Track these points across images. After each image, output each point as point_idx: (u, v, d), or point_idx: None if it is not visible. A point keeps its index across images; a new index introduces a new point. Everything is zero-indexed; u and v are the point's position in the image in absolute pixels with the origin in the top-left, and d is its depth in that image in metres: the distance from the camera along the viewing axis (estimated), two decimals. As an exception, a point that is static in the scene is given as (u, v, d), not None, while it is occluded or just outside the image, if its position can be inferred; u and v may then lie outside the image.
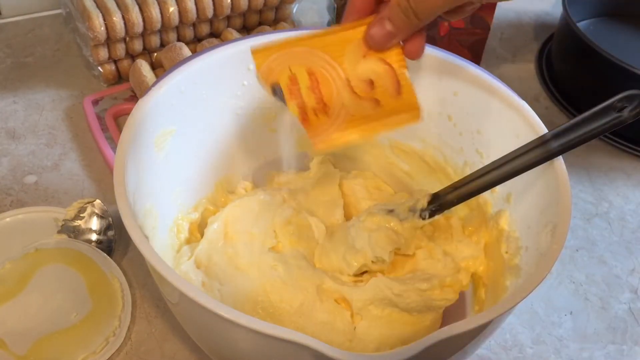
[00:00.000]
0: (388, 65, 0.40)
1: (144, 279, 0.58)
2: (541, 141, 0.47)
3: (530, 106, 0.51)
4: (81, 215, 0.59)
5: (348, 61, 0.40)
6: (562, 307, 0.60)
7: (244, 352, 0.42)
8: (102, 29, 0.71)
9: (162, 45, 0.77)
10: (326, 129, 0.42)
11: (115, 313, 0.54)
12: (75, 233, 0.59)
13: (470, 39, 0.78)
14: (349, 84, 0.41)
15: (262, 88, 0.42)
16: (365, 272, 0.55)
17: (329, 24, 0.85)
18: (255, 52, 0.41)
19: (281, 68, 0.40)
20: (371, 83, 0.41)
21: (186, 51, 0.74)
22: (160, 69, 0.77)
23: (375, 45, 0.40)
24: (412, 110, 0.41)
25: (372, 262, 0.54)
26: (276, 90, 0.41)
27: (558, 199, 0.45)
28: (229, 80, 0.55)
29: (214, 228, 0.55)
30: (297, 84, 0.41)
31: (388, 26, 0.39)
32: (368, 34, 0.40)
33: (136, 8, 0.72)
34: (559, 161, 0.47)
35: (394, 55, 0.41)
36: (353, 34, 0.40)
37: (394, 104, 0.41)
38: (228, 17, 0.80)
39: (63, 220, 0.59)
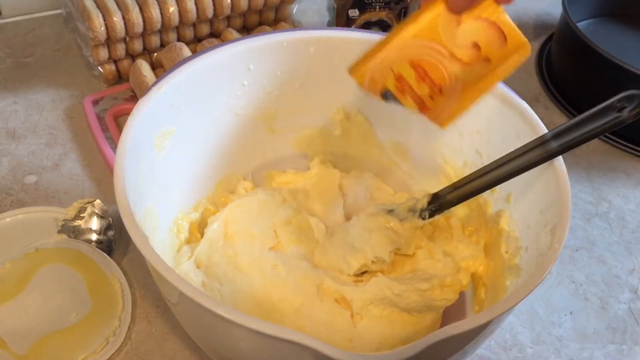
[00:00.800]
0: (484, 20, 0.39)
1: (144, 279, 0.58)
2: (541, 141, 0.47)
3: (530, 106, 0.51)
4: (81, 215, 0.59)
5: (444, 36, 0.39)
6: (562, 307, 0.60)
7: (244, 352, 0.42)
8: (102, 29, 0.71)
9: (162, 45, 0.77)
10: (446, 106, 0.41)
11: (115, 313, 0.54)
12: (75, 233, 0.59)
13: (470, 39, 0.78)
14: (454, 56, 0.40)
15: (368, 96, 0.42)
16: (365, 272, 0.55)
17: (329, 24, 0.85)
18: (352, 71, 0.41)
19: (384, 74, 0.40)
20: (476, 45, 0.40)
21: (186, 51, 0.74)
22: (160, 69, 0.77)
23: (463, 6, 0.38)
24: (521, 48, 0.40)
25: (372, 262, 0.54)
26: (387, 96, 0.41)
27: (558, 199, 0.45)
28: (229, 80, 0.55)
29: (214, 228, 0.55)
30: (404, 81, 0.40)
31: None
32: (450, 1, 0.38)
33: (136, 8, 0.72)
34: (559, 161, 0.47)
35: (485, 9, 0.39)
36: (435, 11, 0.39)
37: (503, 52, 0.40)
38: (228, 17, 0.80)
39: (63, 220, 0.59)
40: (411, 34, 0.39)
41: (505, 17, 0.40)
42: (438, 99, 0.41)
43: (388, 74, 0.41)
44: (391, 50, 0.40)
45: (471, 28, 0.39)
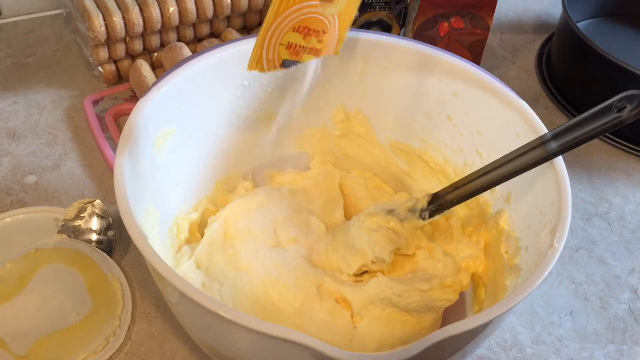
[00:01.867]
0: None
1: (144, 279, 0.58)
2: (541, 141, 0.47)
3: (530, 106, 0.51)
4: (81, 215, 0.59)
5: None
6: (562, 307, 0.60)
7: (244, 352, 0.42)
8: (102, 29, 0.71)
9: (162, 45, 0.77)
10: (333, 39, 0.46)
11: (115, 313, 0.54)
12: (75, 233, 0.59)
13: (470, 39, 0.78)
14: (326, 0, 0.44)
15: (271, 73, 0.47)
16: (366, 272, 0.55)
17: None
18: (250, 66, 0.44)
19: (275, 51, 0.44)
20: None
21: (186, 51, 0.74)
22: (160, 69, 0.77)
23: None
24: None
25: (372, 262, 0.54)
26: (286, 64, 0.45)
27: (558, 199, 0.45)
28: (229, 80, 0.55)
29: (214, 228, 0.55)
30: (294, 45, 0.44)
31: None
32: None
33: (136, 8, 0.72)
34: (559, 161, 0.47)
35: None
36: None
37: None
38: (228, 17, 0.80)
39: (63, 220, 0.59)
40: (283, 7, 0.43)
41: None
42: (325, 38, 0.46)
43: (279, 48, 0.44)
44: (271, 31, 0.43)
45: None
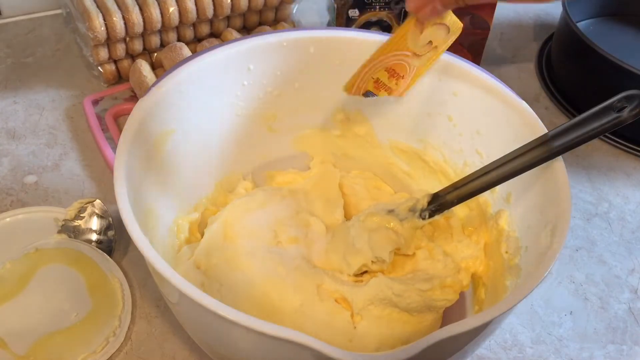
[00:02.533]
0: (439, 24, 0.49)
1: (144, 279, 0.58)
2: (541, 141, 0.47)
3: (530, 106, 0.51)
4: (81, 215, 0.59)
5: (410, 43, 0.50)
6: (562, 307, 0.60)
7: (244, 352, 0.42)
8: (102, 29, 0.71)
9: (162, 45, 0.77)
10: (405, 84, 0.54)
11: (115, 313, 0.54)
12: (75, 233, 0.59)
13: (470, 39, 0.78)
14: (415, 54, 0.51)
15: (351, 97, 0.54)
16: (366, 272, 0.55)
17: (329, 24, 0.85)
18: (346, 88, 0.53)
19: (366, 81, 0.52)
20: (430, 42, 0.50)
21: (186, 51, 0.74)
22: (160, 69, 0.77)
23: (428, 18, 0.47)
24: (457, 31, 0.50)
25: (372, 262, 0.54)
26: (367, 94, 0.53)
27: (558, 199, 0.45)
28: (229, 80, 0.55)
29: (214, 228, 0.55)
30: (380, 81, 0.53)
31: (439, 6, 0.45)
32: (419, 15, 0.47)
33: (136, 8, 0.72)
34: (559, 161, 0.47)
35: (443, 17, 0.49)
36: (407, 27, 0.49)
37: (445, 38, 0.51)
38: (228, 17, 0.80)
39: (63, 220, 0.59)
40: (388, 49, 0.50)
41: (451, 16, 0.49)
42: (401, 83, 0.54)
43: (369, 80, 0.52)
44: (374, 65, 0.51)
45: (429, 32, 0.50)
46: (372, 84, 0.53)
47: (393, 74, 0.52)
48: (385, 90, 0.54)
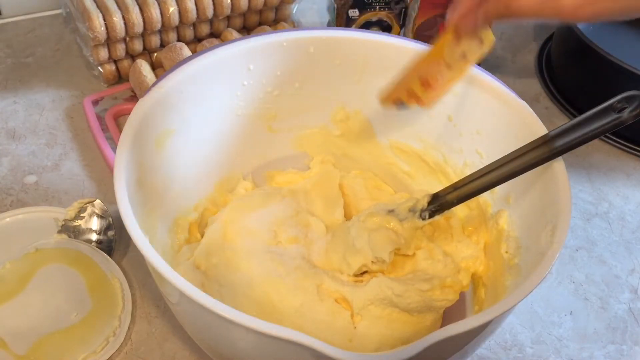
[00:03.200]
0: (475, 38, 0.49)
1: (144, 279, 0.58)
2: (541, 141, 0.47)
3: (530, 106, 0.51)
4: (81, 215, 0.59)
5: (446, 54, 0.50)
6: (562, 307, 0.60)
7: (244, 352, 0.42)
8: (102, 29, 0.71)
9: (162, 45, 0.77)
10: (434, 95, 0.52)
11: (115, 313, 0.54)
12: (75, 233, 0.59)
13: (470, 39, 0.78)
14: (449, 65, 0.50)
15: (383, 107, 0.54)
16: (366, 272, 0.55)
17: (329, 24, 0.85)
18: (383, 101, 0.53)
19: (400, 91, 0.52)
20: (464, 54, 0.49)
21: (186, 51, 0.74)
22: (160, 69, 0.77)
23: (468, 33, 0.48)
24: (490, 44, 0.49)
25: (372, 262, 0.54)
26: (399, 104, 0.53)
27: (558, 199, 0.45)
28: (229, 80, 0.55)
29: (214, 228, 0.55)
30: (413, 92, 0.52)
31: (480, 19, 0.45)
32: (459, 29, 0.47)
33: (136, 8, 0.72)
34: (559, 161, 0.47)
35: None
36: (446, 38, 0.49)
37: (478, 50, 0.50)
38: (228, 17, 0.80)
39: (63, 220, 0.59)
40: (425, 61, 0.50)
41: (486, 29, 0.49)
42: (430, 94, 0.52)
43: (403, 91, 0.52)
44: (410, 75, 0.51)
45: (465, 44, 0.49)
46: (406, 94, 0.52)
47: (426, 84, 0.52)
48: (416, 101, 0.53)
